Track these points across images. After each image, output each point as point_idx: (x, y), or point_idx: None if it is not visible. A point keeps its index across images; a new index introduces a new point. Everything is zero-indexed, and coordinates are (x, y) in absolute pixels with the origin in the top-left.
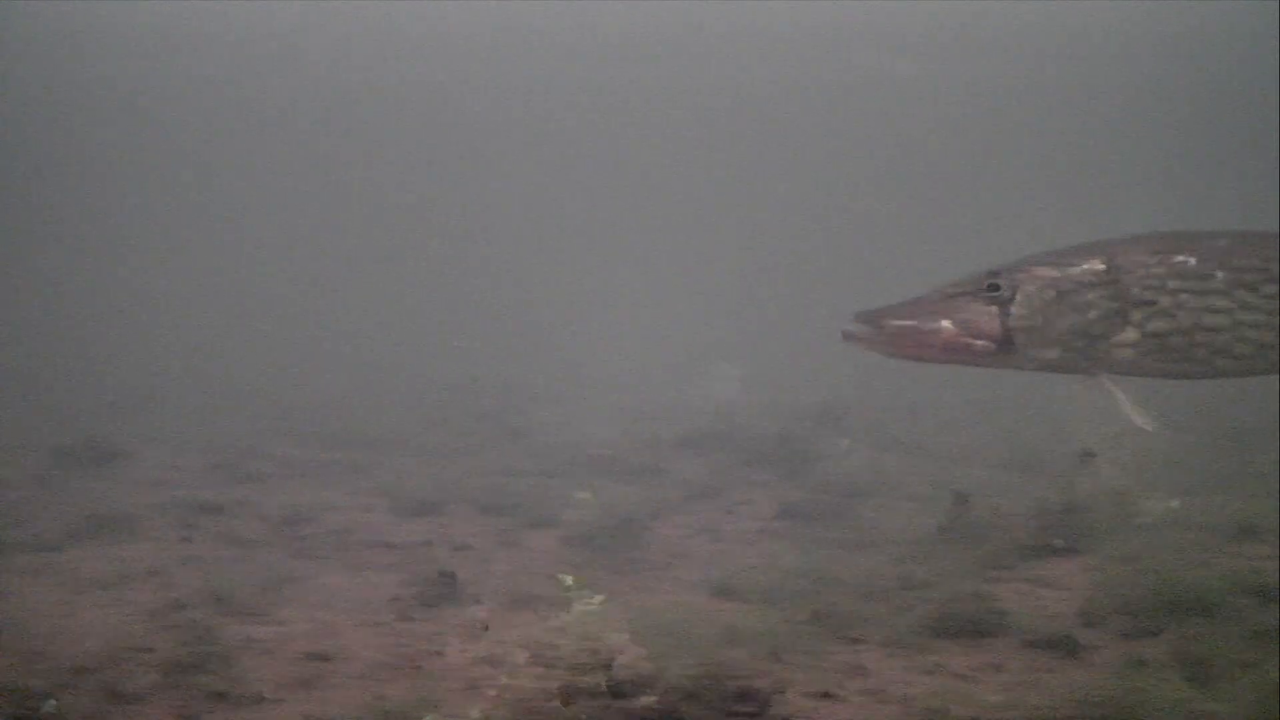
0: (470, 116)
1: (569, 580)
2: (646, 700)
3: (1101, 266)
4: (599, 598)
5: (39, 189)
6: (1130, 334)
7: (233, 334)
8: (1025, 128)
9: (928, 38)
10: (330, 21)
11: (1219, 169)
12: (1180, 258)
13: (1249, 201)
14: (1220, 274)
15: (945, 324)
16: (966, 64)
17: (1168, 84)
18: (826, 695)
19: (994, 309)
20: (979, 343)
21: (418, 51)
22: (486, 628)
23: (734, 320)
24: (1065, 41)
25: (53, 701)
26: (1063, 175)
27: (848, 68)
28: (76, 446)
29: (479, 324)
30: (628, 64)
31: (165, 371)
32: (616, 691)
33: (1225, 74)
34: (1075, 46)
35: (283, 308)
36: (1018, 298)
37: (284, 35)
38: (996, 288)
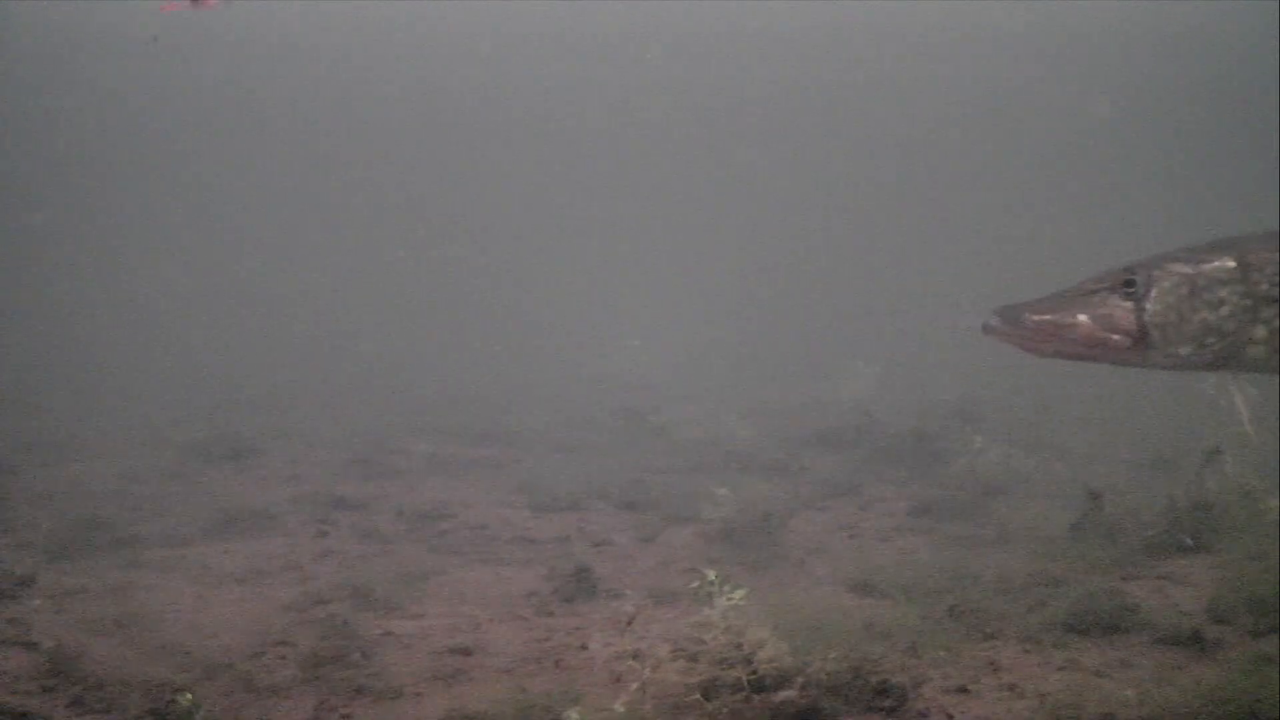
0: (500, 117)
1: (711, 575)
2: (787, 694)
3: (1233, 263)
4: (741, 592)
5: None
6: (1260, 331)
7: (366, 331)
8: (1025, 128)
9: (927, 37)
10: (333, 22)
11: (1219, 169)
12: None
13: (1249, 201)
14: None
15: (1083, 318)
16: (967, 64)
17: (1168, 84)
18: (963, 690)
19: (1130, 304)
20: (1115, 338)
21: (424, 53)
22: (631, 621)
23: (869, 318)
24: (1065, 41)
25: (188, 695)
26: (1062, 175)
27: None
28: (208, 442)
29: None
30: (650, 62)
31: (298, 367)
32: (758, 685)
33: (1225, 74)
34: (1075, 46)
35: (414, 304)
36: (1153, 293)
37: (288, 37)
38: (1133, 284)
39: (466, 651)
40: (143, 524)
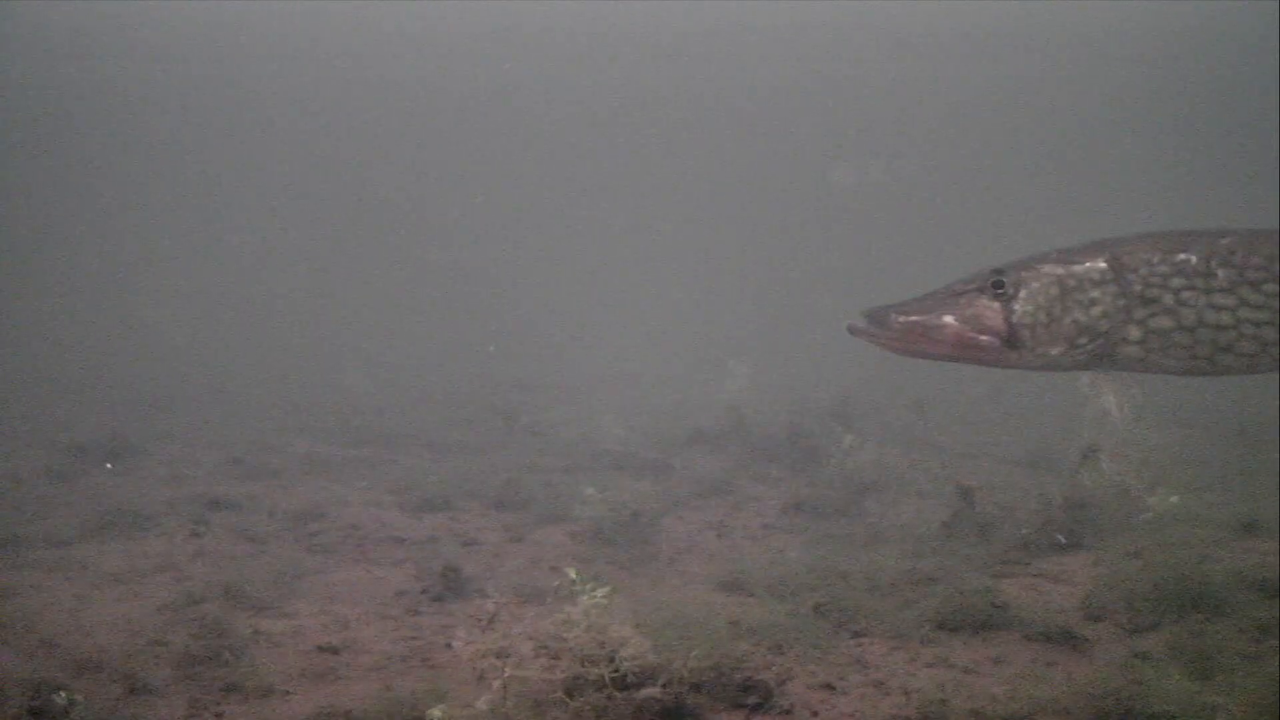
0: (491, 115)
1: (573, 573)
2: (650, 691)
3: (1105, 264)
4: (604, 590)
5: (53, 190)
6: (1134, 331)
7: (246, 333)
8: (1025, 128)
9: (928, 37)
10: (338, 22)
11: (1219, 169)
12: (1183, 255)
13: (1249, 201)
14: (1223, 272)
15: (950, 320)
16: (966, 64)
17: (1168, 84)
18: (829, 687)
19: (999, 305)
20: (984, 339)
21: (429, 53)
22: (492, 619)
23: (743, 318)
24: (1065, 41)
25: (63, 693)
26: (1062, 175)
27: (850, 66)
28: (91, 443)
29: (489, 323)
30: (641, 63)
31: (179, 370)
32: (621, 683)
33: (1225, 74)
34: (1075, 46)
35: (297, 307)
36: (1022, 294)
37: (297, 36)
38: (1001, 284)
39: (336, 650)
40: (25, 524)
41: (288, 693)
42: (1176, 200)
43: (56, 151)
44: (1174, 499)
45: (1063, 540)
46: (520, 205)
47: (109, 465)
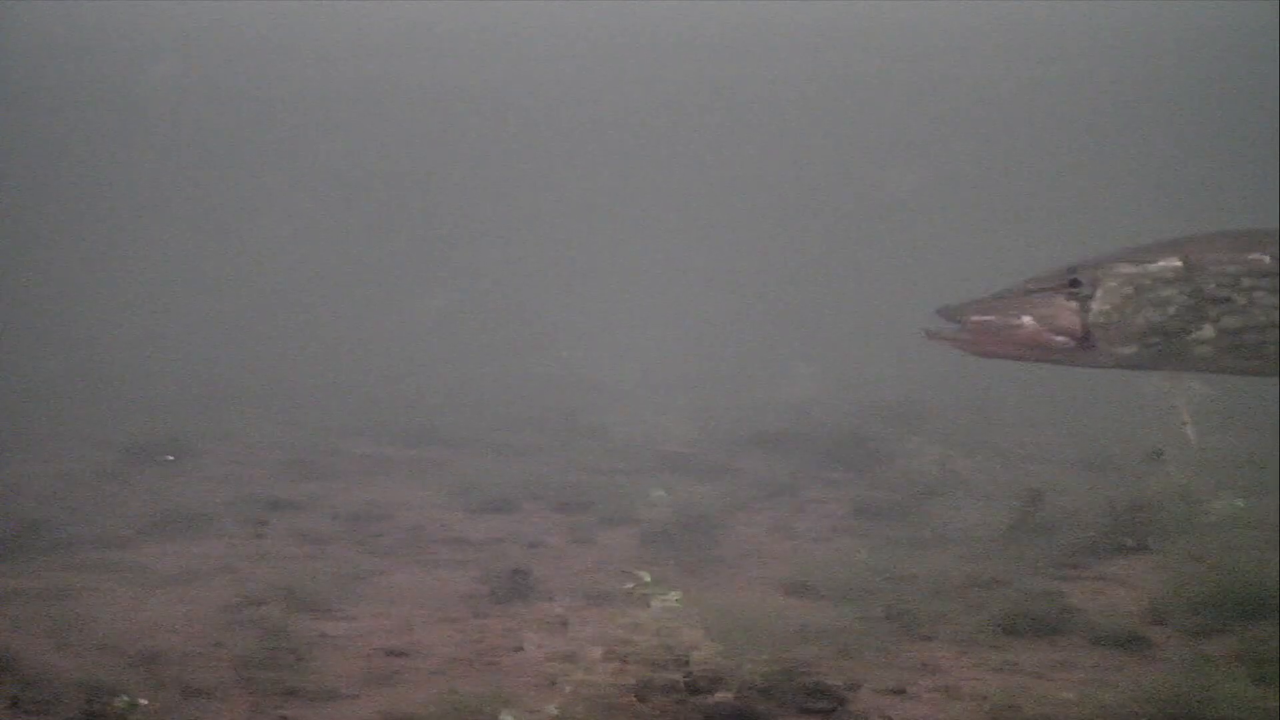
0: (543, 114)
1: (646, 577)
2: (721, 696)
3: (1178, 263)
4: (675, 594)
5: (99, 191)
6: (1207, 331)
7: (308, 334)
8: (1025, 127)
9: (928, 37)
10: (344, 23)
11: (1219, 169)
12: (1255, 254)
13: (1249, 201)
14: None
15: (1026, 319)
16: (967, 64)
17: (1168, 84)
18: (899, 692)
19: (1074, 304)
20: (1059, 338)
21: (444, 53)
22: (564, 623)
23: (803, 320)
24: (1065, 41)
25: (124, 697)
26: (1062, 175)
27: (868, 64)
28: (146, 443)
29: (544, 326)
30: (663, 60)
31: (232, 371)
32: (692, 687)
33: (1225, 74)
34: (1075, 46)
35: (359, 308)
36: (1098, 293)
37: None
38: (1077, 283)
39: (400, 653)
40: (81, 525)
41: (350, 696)
42: (1175, 201)
43: (99, 151)
44: (1238, 502)
45: (1129, 543)
46: (574, 206)
47: (170, 457)
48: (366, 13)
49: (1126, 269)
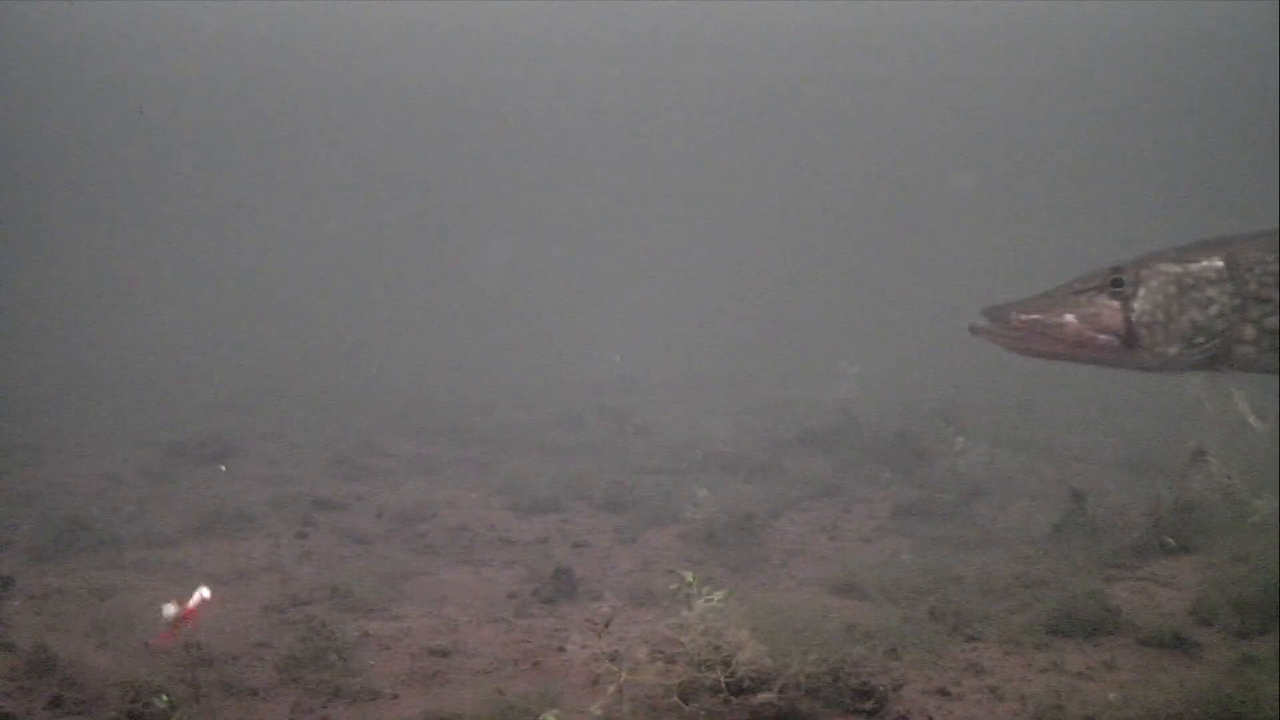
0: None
1: (689, 577)
2: (766, 696)
3: (1221, 263)
4: (720, 594)
5: (132, 193)
6: (1249, 331)
7: (352, 333)
8: (1025, 127)
9: (928, 36)
10: (344, 23)
11: (1219, 169)
12: None
13: (1249, 201)
14: None
15: (1070, 318)
16: (967, 64)
17: (1168, 84)
18: (944, 693)
19: (1118, 304)
20: (1103, 337)
21: (413, 53)
22: (608, 623)
23: (853, 318)
24: (1065, 41)
25: (164, 696)
26: (1062, 174)
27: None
28: (190, 443)
29: (576, 325)
30: (680, 60)
31: (281, 369)
32: (736, 688)
33: (1225, 74)
34: (1075, 46)
35: (401, 307)
36: (1141, 293)
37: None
38: (1121, 283)
39: (445, 653)
40: (124, 525)
41: (395, 696)
42: (1175, 202)
43: (135, 153)
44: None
45: (1172, 544)
46: (594, 209)
47: (223, 468)
48: (371, 14)
49: (1170, 268)
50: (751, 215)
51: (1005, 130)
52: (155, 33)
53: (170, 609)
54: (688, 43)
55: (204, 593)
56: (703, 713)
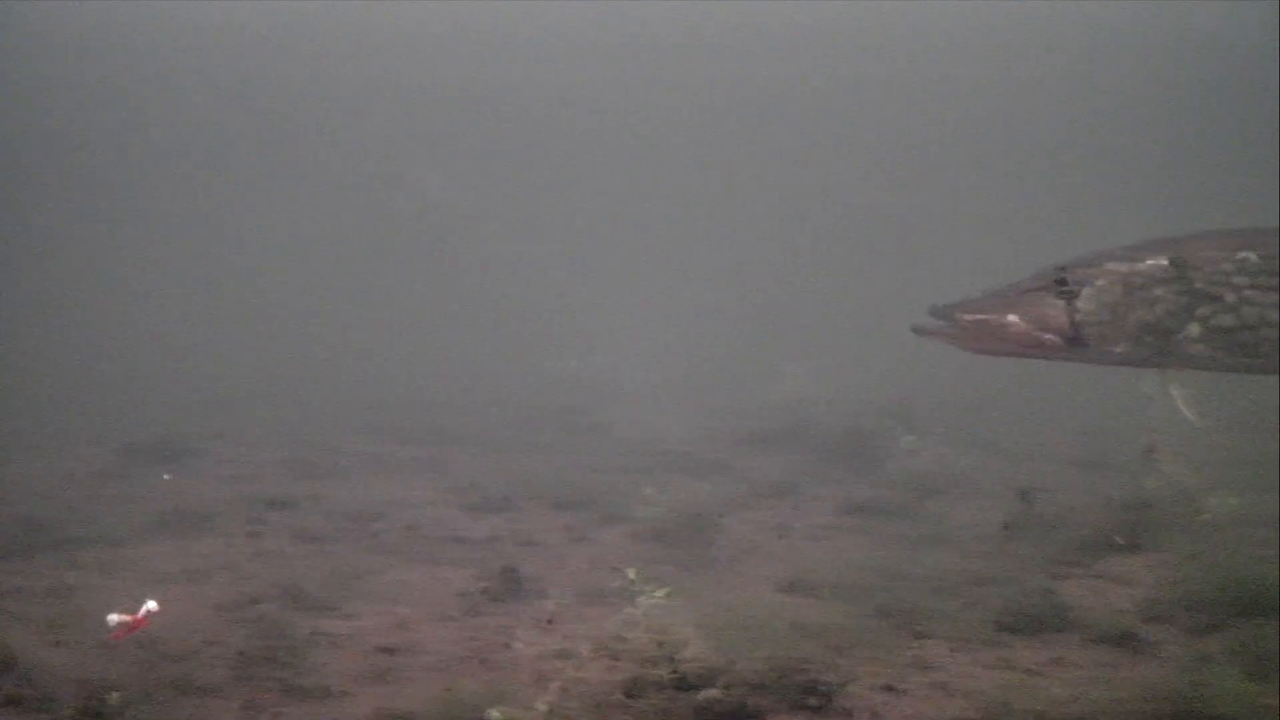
0: (524, 116)
1: (633, 574)
2: (712, 693)
3: (1168, 262)
4: (664, 591)
5: (97, 192)
6: (1197, 329)
7: (306, 333)
8: (1025, 127)
9: (929, 37)
10: (342, 23)
11: (1219, 169)
12: (1245, 253)
13: (1249, 201)
14: None
15: (1015, 319)
16: (965, 64)
17: (1168, 84)
18: (891, 689)
19: (1063, 304)
20: (1048, 337)
21: (412, 53)
22: (552, 621)
23: (807, 317)
24: (1065, 41)
25: (116, 694)
26: (1062, 174)
27: (861, 65)
28: (145, 443)
29: (535, 326)
30: (654, 61)
31: (230, 370)
32: (682, 684)
33: (1225, 74)
34: (1075, 46)
35: (343, 309)
36: (1086, 292)
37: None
38: (1065, 283)
39: (396, 651)
40: (81, 524)
41: (346, 693)
42: (1175, 202)
43: (96, 150)
44: (1234, 500)
45: (1122, 541)
46: (563, 207)
47: (166, 476)
48: (368, 13)
49: (1116, 268)
50: (711, 219)
51: (1004, 130)
52: (155, 32)
53: (114, 619)
54: (688, 43)
55: (151, 605)
56: (649, 709)
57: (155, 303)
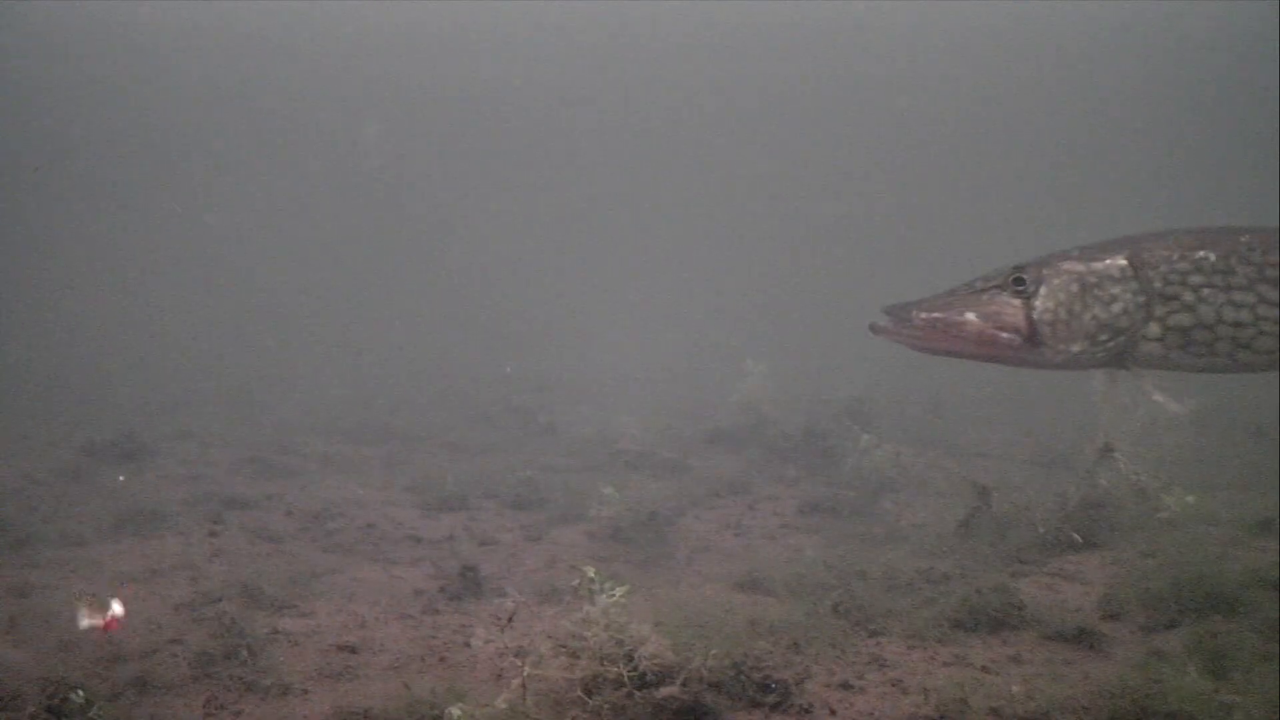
0: (503, 116)
1: (591, 572)
2: (669, 690)
3: (1125, 261)
4: (622, 589)
5: (60, 192)
6: (1154, 328)
7: (254, 335)
8: (1025, 127)
9: (930, 37)
10: (342, 23)
11: (1218, 169)
12: (1202, 253)
13: (1249, 201)
14: (1242, 269)
15: (972, 316)
16: (968, 64)
17: (1168, 84)
18: (847, 686)
19: (1019, 302)
20: (1005, 335)
21: (413, 53)
22: (510, 618)
23: (756, 317)
24: (1065, 41)
25: (80, 692)
26: (1062, 175)
27: (855, 66)
28: (105, 443)
29: (501, 322)
30: (653, 62)
31: (189, 371)
32: (639, 682)
33: (1225, 74)
34: (1076, 46)
35: (303, 308)
36: (1042, 291)
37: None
38: (1022, 281)
39: (354, 649)
40: (40, 524)
41: (305, 691)
42: (1176, 202)
43: (67, 153)
44: (1190, 498)
45: (1079, 539)
46: (532, 207)
47: (121, 478)
48: (366, 13)
49: (1073, 267)
50: (674, 223)
51: (1003, 130)
52: (154, 32)
53: (85, 620)
54: (689, 43)
55: (117, 608)
56: (606, 706)
57: (111, 304)
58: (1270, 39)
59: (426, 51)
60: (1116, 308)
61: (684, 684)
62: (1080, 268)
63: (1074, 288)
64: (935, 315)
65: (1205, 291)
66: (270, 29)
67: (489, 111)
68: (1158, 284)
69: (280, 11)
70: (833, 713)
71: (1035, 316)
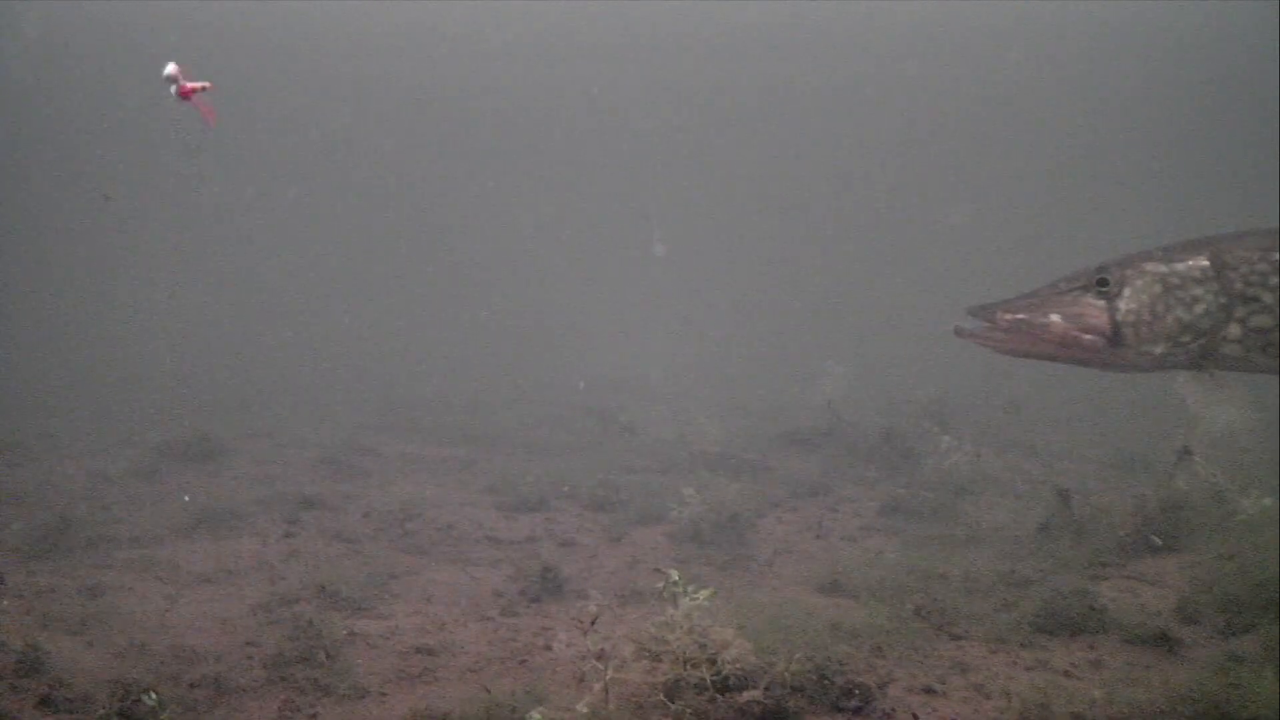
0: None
1: (675, 575)
2: (752, 694)
3: (1206, 262)
4: (705, 592)
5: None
6: (1235, 330)
7: (339, 333)
8: (1025, 127)
9: (930, 37)
10: (342, 24)
11: (1219, 169)
12: None
13: (1249, 201)
14: None
15: (1055, 318)
16: (967, 63)
17: (1168, 84)
18: (930, 690)
19: (1102, 303)
20: (1088, 337)
21: (415, 53)
22: (594, 621)
23: (840, 318)
24: (1065, 41)
25: (152, 695)
26: (1063, 174)
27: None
28: (179, 443)
29: (545, 329)
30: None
31: (271, 369)
32: (722, 686)
33: (1225, 74)
34: (1076, 46)
35: (386, 308)
36: (1126, 292)
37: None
38: (1106, 283)
39: (432, 652)
40: (114, 524)
41: (383, 694)
42: (1176, 202)
43: (128, 151)
44: (1268, 501)
45: (1159, 542)
46: (603, 207)
47: (186, 498)
48: (371, 14)
49: (1155, 268)
50: (748, 216)
51: (1002, 131)
52: (154, 31)
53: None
54: (689, 43)
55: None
56: (688, 710)
57: (183, 302)
58: (1270, 39)
59: (436, 52)
60: (1199, 309)
61: (767, 688)
62: (1163, 269)
63: (1157, 289)
64: (1020, 316)
65: None
66: (270, 29)
67: (524, 115)
68: (1239, 285)
69: (280, 11)
70: (916, 718)
71: (1119, 318)
